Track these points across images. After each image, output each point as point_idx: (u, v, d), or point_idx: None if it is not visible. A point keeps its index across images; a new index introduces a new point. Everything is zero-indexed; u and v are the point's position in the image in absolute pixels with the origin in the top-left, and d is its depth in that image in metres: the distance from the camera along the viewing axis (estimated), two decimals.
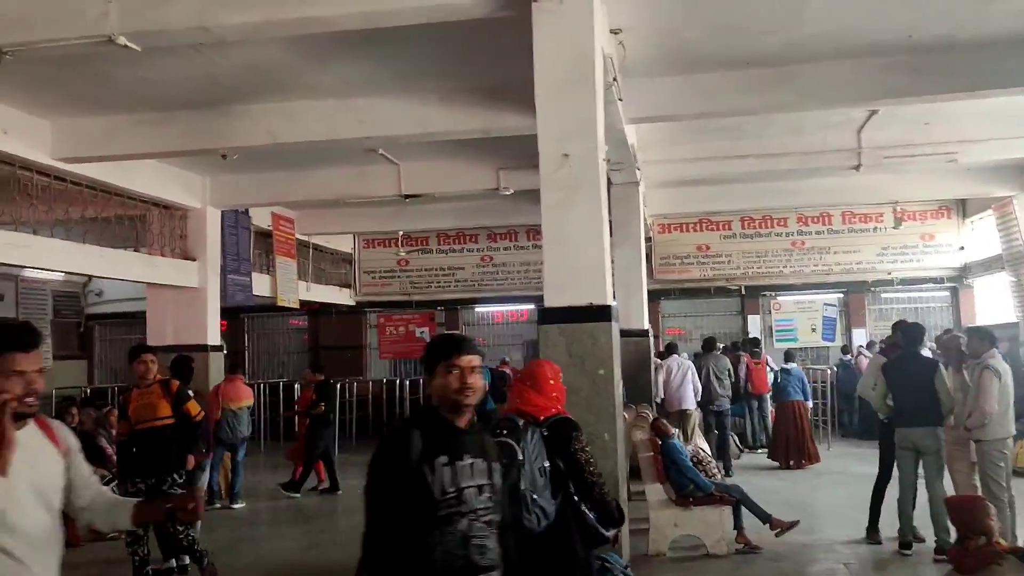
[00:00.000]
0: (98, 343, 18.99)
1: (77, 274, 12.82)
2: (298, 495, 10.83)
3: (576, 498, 3.68)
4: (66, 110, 8.56)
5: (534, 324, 19.30)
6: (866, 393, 7.74)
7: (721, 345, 13.09)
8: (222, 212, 12.15)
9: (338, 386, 15.17)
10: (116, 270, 10.60)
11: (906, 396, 6.83)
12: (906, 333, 7.11)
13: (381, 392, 16.71)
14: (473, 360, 2.75)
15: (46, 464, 2.50)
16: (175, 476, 6.55)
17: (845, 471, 11.01)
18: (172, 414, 6.63)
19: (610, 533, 3.80)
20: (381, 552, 2.60)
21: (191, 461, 6.78)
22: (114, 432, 8.88)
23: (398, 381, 16.90)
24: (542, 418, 3.76)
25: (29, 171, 8.93)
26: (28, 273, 16.45)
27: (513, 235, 17.36)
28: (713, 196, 14.34)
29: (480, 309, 18.11)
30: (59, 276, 17.30)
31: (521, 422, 3.68)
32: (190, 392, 7.00)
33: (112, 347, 18.98)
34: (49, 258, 9.45)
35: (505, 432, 3.62)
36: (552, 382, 3.88)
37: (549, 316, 5.17)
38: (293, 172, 11.54)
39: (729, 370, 11.61)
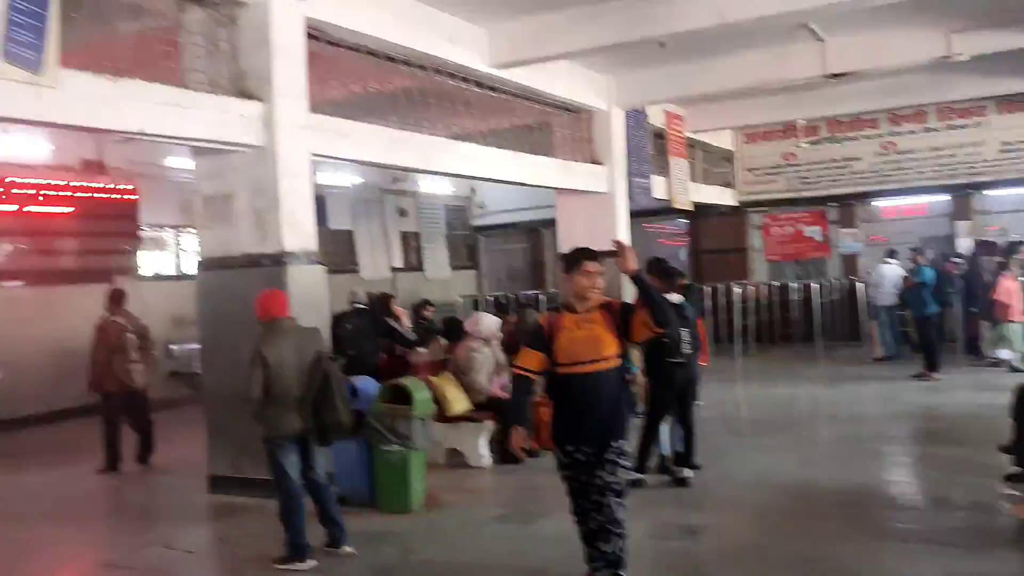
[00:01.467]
0: (484, 253, 19.95)
1: (476, 178, 12.67)
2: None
3: None
4: (502, 12, 8.44)
5: (934, 219, 17.09)
6: None
7: None
8: (625, 113, 11.74)
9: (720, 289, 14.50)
10: (535, 176, 10.56)
11: None
12: None
13: (770, 295, 15.70)
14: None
15: None
16: (621, 445, 4.08)
17: None
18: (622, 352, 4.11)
19: None
20: None
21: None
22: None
23: (791, 285, 15.69)
24: None
25: (467, 81, 9.03)
26: (424, 189, 17.55)
27: (921, 116, 15.19)
28: None
29: (880, 203, 16.22)
30: (450, 190, 18.28)
31: None
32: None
33: (495, 257, 19.88)
34: (486, 167, 9.57)
35: None
36: None
37: None
38: (700, 62, 10.71)
39: None
